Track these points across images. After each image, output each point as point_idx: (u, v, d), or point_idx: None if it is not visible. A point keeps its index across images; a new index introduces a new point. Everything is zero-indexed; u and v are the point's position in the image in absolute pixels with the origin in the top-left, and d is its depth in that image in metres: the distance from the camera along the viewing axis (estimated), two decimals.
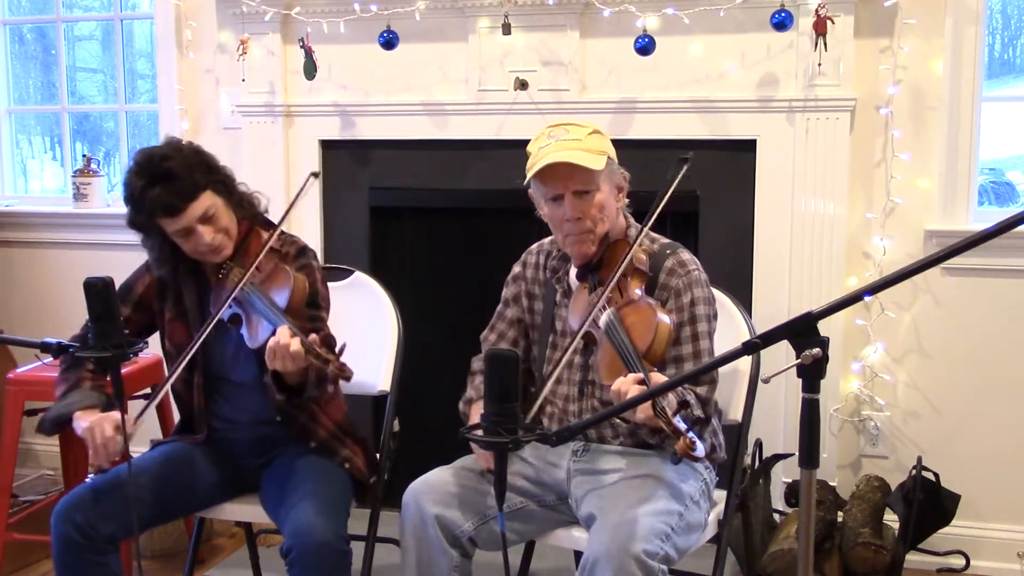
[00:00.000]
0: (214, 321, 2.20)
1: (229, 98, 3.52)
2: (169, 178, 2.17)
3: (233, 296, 2.19)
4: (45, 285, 3.88)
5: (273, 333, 2.07)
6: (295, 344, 2.02)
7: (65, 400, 2.24)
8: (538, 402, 2.05)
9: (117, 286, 2.35)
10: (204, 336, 2.22)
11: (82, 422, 2.18)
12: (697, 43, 3.04)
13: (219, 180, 2.27)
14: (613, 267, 2.08)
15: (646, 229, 2.11)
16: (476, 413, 2.18)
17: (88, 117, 4.26)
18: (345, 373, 2.02)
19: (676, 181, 2.06)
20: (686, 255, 2.19)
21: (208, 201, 2.22)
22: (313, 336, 2.05)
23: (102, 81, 4.32)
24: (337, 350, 2.06)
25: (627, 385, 1.85)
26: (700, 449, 1.76)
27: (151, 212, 2.19)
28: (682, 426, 1.78)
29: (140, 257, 2.41)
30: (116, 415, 2.17)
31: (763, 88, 3.02)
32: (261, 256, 2.22)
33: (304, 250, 2.38)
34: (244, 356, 2.31)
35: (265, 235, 2.30)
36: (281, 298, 2.18)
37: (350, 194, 3.41)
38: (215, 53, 3.55)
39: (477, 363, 2.38)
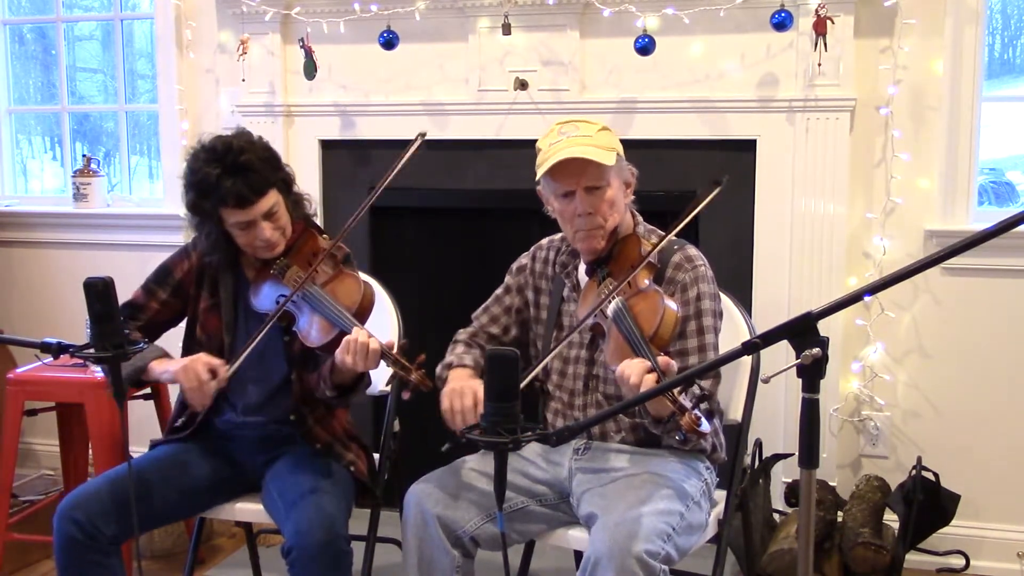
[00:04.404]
0: (279, 311, 2.22)
1: (229, 98, 3.51)
2: (245, 170, 2.19)
3: (299, 292, 2.21)
4: (45, 285, 3.88)
5: (341, 333, 2.12)
6: (374, 343, 2.08)
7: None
8: (532, 373, 2.10)
9: (153, 268, 2.41)
10: (231, 326, 2.27)
11: (169, 366, 2.22)
12: (697, 43, 3.04)
13: (283, 179, 2.30)
14: (622, 261, 2.11)
15: (670, 236, 2.10)
16: (454, 377, 2.22)
17: (88, 117, 4.26)
18: (426, 383, 2.09)
19: (706, 200, 2.06)
20: (693, 251, 2.20)
21: (274, 198, 2.25)
22: (390, 342, 2.10)
23: (102, 81, 4.32)
24: (417, 362, 2.10)
25: (631, 368, 1.85)
26: (705, 425, 1.79)
27: (221, 201, 2.19)
28: (687, 403, 1.81)
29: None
30: (205, 356, 2.20)
31: (763, 88, 3.02)
32: (322, 257, 2.25)
33: (349, 257, 2.41)
34: (271, 353, 2.33)
35: (319, 238, 2.34)
36: (350, 302, 2.20)
37: (350, 194, 3.41)
38: (215, 53, 3.55)
39: (462, 334, 2.41)
